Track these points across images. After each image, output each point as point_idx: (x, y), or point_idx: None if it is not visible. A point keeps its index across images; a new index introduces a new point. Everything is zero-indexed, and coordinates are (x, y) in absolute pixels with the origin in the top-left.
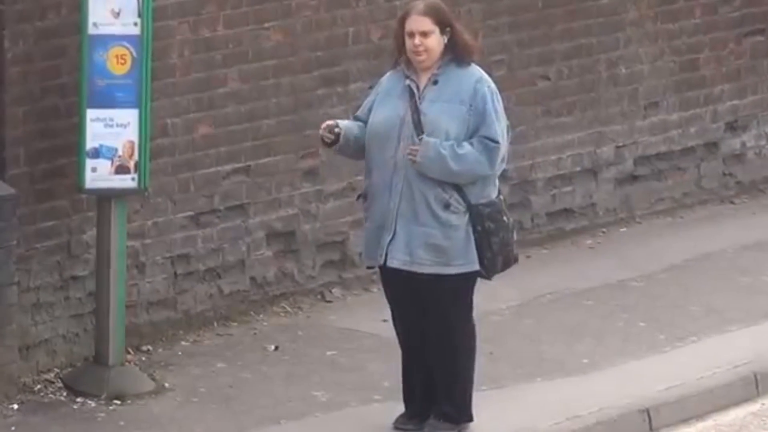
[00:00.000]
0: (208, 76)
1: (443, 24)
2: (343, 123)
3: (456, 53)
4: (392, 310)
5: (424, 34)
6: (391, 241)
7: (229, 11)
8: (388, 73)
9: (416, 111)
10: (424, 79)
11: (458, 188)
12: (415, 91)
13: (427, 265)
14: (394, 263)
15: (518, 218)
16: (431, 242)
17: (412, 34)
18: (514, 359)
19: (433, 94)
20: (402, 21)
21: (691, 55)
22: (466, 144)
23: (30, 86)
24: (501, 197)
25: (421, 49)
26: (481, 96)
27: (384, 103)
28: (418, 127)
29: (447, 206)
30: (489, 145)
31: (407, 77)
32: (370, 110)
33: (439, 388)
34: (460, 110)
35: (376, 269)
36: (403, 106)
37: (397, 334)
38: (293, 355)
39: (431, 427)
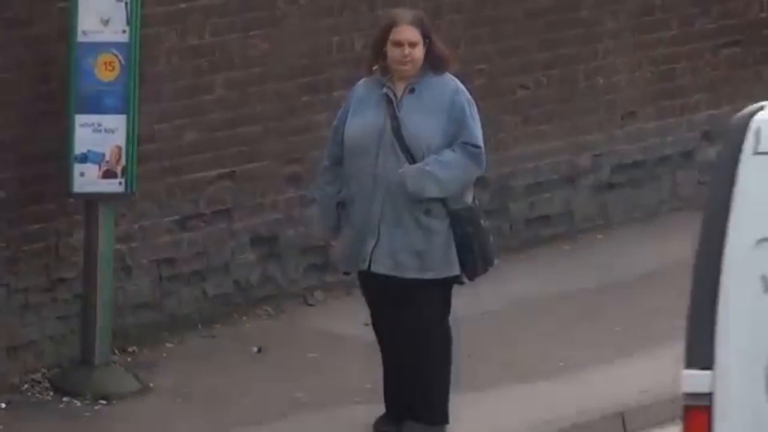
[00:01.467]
0: (194, 83)
1: (426, 35)
2: (328, 223)
3: (432, 63)
4: (372, 314)
5: (413, 45)
6: (375, 246)
7: (216, 19)
8: (361, 81)
9: (395, 119)
10: (400, 88)
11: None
12: (393, 99)
13: (410, 270)
14: (379, 269)
15: (497, 224)
16: (414, 248)
17: (400, 44)
18: (492, 363)
19: (411, 103)
20: (387, 29)
21: (668, 65)
22: (447, 151)
23: (20, 92)
24: (476, 202)
25: (408, 59)
26: (459, 107)
27: (359, 112)
28: (399, 136)
29: (428, 212)
30: (471, 150)
31: (383, 85)
32: (344, 121)
33: (416, 390)
34: (440, 119)
35: (353, 274)
36: (381, 114)
37: (378, 337)
38: (276, 357)
39: (409, 428)
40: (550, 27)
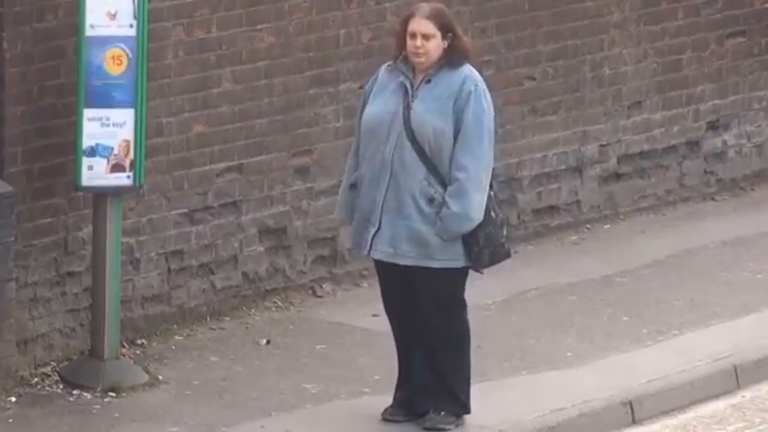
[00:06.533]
0: (202, 77)
1: (445, 29)
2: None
3: (452, 57)
4: (383, 299)
5: (426, 37)
6: (376, 233)
7: (223, 13)
8: (384, 66)
9: (407, 108)
10: (418, 78)
11: (444, 184)
12: (409, 88)
13: (410, 258)
14: (377, 254)
15: (504, 215)
16: (414, 235)
17: (414, 35)
18: (501, 353)
19: (425, 93)
20: (405, 21)
21: (674, 56)
22: (451, 184)
23: (28, 86)
24: (491, 193)
25: (420, 51)
26: (466, 93)
27: (378, 98)
28: (408, 124)
29: (431, 201)
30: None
31: (403, 74)
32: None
33: (435, 380)
34: (447, 105)
35: (370, 259)
36: (396, 102)
37: (390, 322)
38: (284, 348)
39: (432, 421)
40: (556, 18)
